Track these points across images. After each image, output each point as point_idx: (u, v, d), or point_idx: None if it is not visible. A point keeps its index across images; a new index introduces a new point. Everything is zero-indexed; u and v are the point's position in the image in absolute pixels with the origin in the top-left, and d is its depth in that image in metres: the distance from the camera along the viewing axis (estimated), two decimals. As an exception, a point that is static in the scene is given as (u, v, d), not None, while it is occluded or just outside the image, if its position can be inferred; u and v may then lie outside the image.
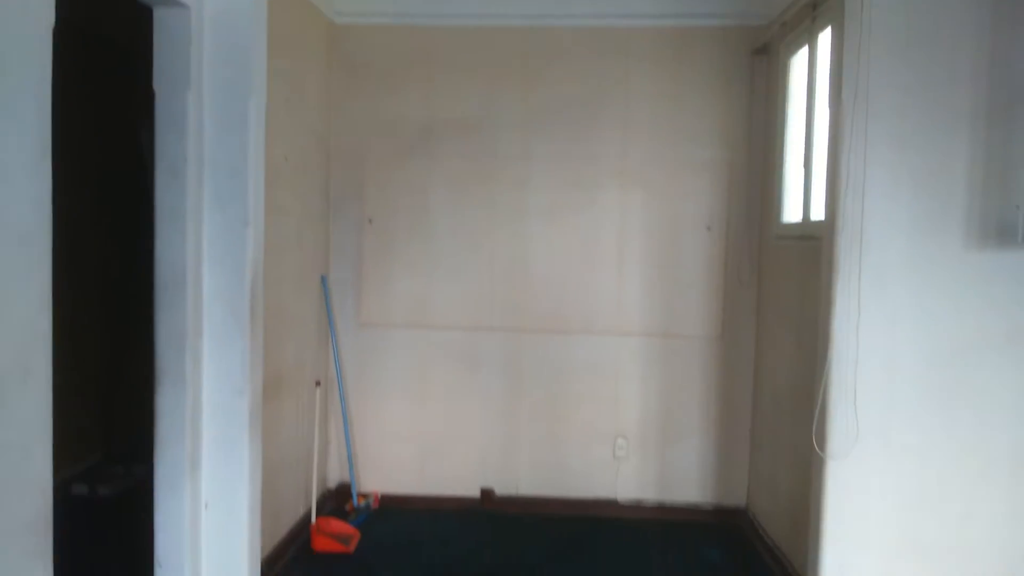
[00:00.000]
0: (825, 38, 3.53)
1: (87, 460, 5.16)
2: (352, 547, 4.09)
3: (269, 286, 3.32)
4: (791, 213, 4.15)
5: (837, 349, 2.87)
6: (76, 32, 4.51)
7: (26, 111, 1.91)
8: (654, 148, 4.61)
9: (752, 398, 4.63)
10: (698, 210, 4.61)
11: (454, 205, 4.67)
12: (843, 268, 2.88)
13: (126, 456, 5.15)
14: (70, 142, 4.34)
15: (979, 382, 2.88)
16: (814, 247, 3.41)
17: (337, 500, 4.75)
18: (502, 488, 4.77)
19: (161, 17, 2.89)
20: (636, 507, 4.72)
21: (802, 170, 3.89)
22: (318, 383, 4.38)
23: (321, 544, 4.07)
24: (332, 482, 4.81)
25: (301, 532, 4.17)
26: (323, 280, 4.56)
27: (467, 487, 4.78)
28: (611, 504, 4.73)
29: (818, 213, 3.67)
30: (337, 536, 4.13)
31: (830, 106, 3.05)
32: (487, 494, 4.77)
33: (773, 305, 4.32)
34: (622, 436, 4.71)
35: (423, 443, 4.77)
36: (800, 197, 3.91)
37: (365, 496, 4.71)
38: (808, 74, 3.76)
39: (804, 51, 3.87)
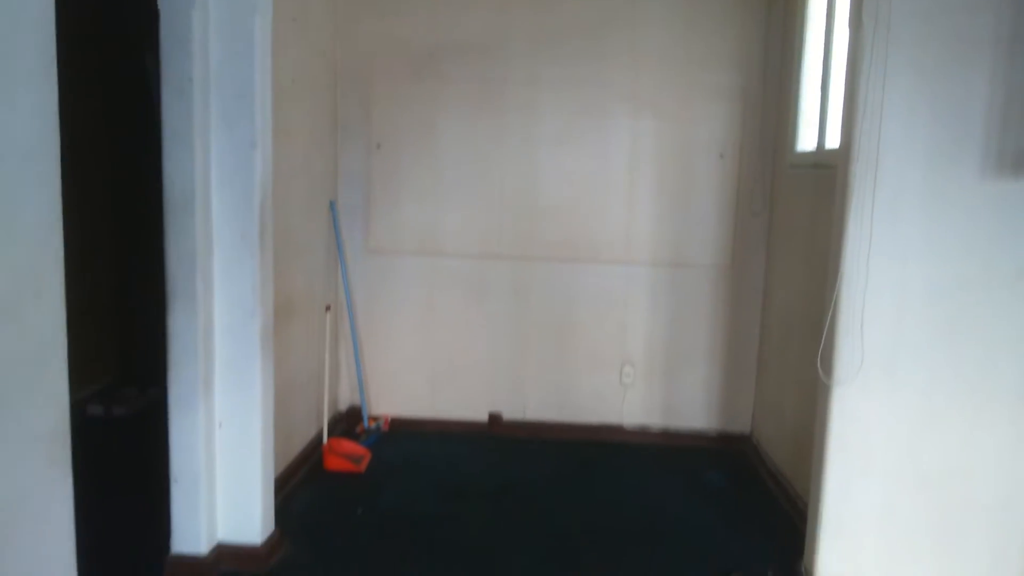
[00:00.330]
0: (848, -43, 3.41)
1: (102, 382, 5.26)
2: (363, 467, 4.19)
3: (278, 210, 3.32)
4: (806, 141, 4.09)
5: (847, 278, 2.85)
6: (77, -52, 4.40)
7: (28, 21, 1.88)
8: (666, 73, 4.52)
9: (759, 327, 4.64)
10: (711, 137, 4.54)
11: (462, 130, 4.62)
12: (856, 197, 2.84)
13: (140, 378, 5.25)
14: (74, 60, 4.28)
15: (986, 316, 2.87)
16: (828, 176, 3.36)
17: (348, 423, 4.84)
18: (510, 413, 4.85)
19: (164, -69, 2.81)
20: (641, 433, 4.80)
21: (818, 97, 3.81)
22: (328, 308, 4.42)
23: (333, 463, 4.16)
24: (343, 405, 4.89)
25: (313, 452, 4.26)
26: (331, 205, 4.55)
27: (475, 411, 4.86)
28: (617, 429, 4.81)
29: (833, 141, 3.61)
30: (348, 456, 4.23)
31: (850, 31, 2.96)
32: (495, 418, 4.84)
33: (784, 234, 4.29)
34: (629, 364, 4.75)
35: (432, 368, 4.83)
36: (815, 125, 3.84)
37: (375, 419, 4.79)
38: (828, -4, 3.65)
39: (825, -29, 3.75)
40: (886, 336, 2.88)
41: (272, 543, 3.23)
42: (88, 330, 5.07)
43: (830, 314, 2.90)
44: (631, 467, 4.42)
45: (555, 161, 4.61)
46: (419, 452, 4.50)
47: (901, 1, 2.79)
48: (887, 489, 2.97)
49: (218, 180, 2.99)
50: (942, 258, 2.85)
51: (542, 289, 4.71)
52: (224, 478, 3.12)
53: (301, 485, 3.96)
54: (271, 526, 3.26)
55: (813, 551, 3.05)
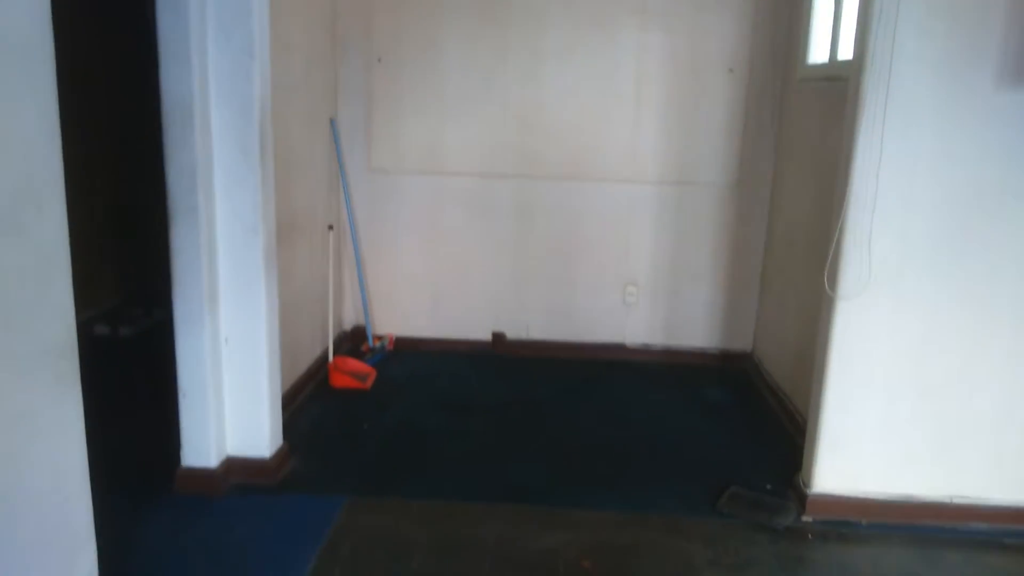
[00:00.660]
0: None
1: (107, 303, 5.28)
2: (369, 384, 4.24)
3: (278, 127, 3.26)
4: (817, 54, 3.98)
5: (856, 192, 2.82)
6: None
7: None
8: (676, -17, 4.37)
9: (764, 245, 4.62)
10: (720, 51, 4.42)
11: (465, 44, 4.50)
12: (868, 109, 2.77)
13: (145, 299, 5.27)
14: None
15: (994, 229, 2.84)
16: (839, 88, 3.29)
17: (353, 341, 4.88)
18: (513, 332, 4.88)
19: None
20: (644, 351, 4.84)
21: (832, 6, 3.69)
22: (331, 227, 4.39)
23: (339, 381, 4.21)
24: (348, 324, 4.92)
25: (319, 370, 4.31)
26: (332, 123, 4.47)
27: (479, 331, 4.89)
28: (619, 348, 4.85)
29: (846, 52, 3.52)
30: (354, 374, 4.27)
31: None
32: (498, 338, 4.88)
33: (793, 151, 4.23)
34: (632, 283, 4.75)
35: (436, 288, 4.84)
36: (828, 35, 3.74)
37: (380, 338, 4.83)
38: (846, -102, 3.50)
39: None
40: (893, 250, 2.86)
41: (280, 456, 3.29)
42: (91, 251, 5.06)
43: (838, 228, 2.88)
44: (633, 384, 4.47)
45: (560, 76, 4.50)
46: (424, 370, 4.55)
47: (920, -97, 2.67)
48: (887, 403, 3.00)
49: (216, 93, 2.93)
50: (952, 171, 2.81)
51: (546, 208, 4.67)
52: (232, 393, 3.16)
53: (308, 402, 4.02)
54: (279, 440, 3.32)
55: (811, 464, 3.10)
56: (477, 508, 3.06)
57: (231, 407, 3.18)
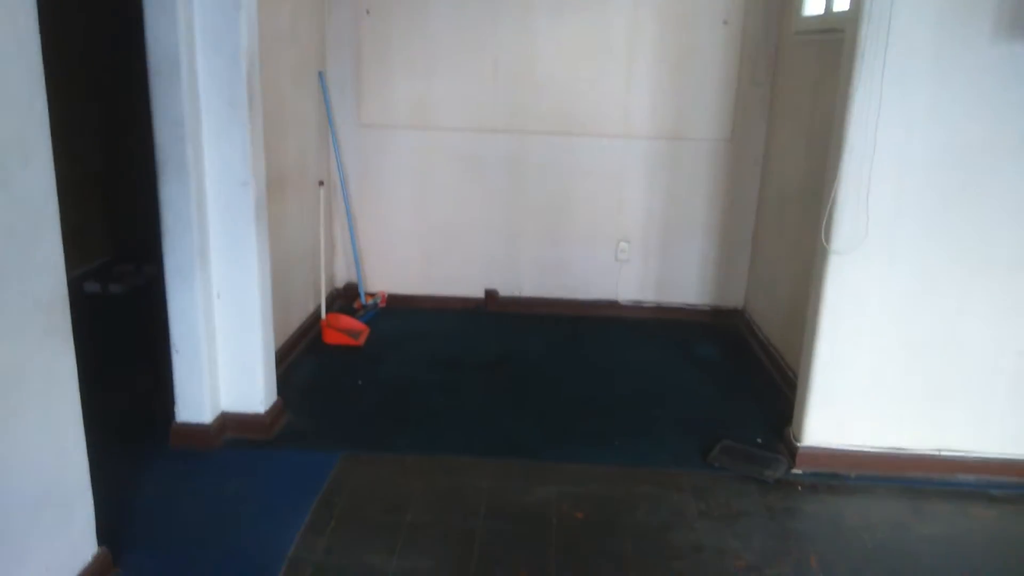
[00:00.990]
0: None
1: (97, 260, 5.24)
2: (362, 341, 4.24)
3: (266, 80, 3.20)
4: (813, 5, 3.93)
5: (852, 145, 2.80)
6: None
7: None
8: (671, -67, 4.29)
9: (757, 201, 4.61)
10: (714, 2, 4.35)
11: (457, -4, 4.42)
12: (865, 61, 2.74)
13: (136, 256, 5.23)
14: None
15: (989, 183, 2.83)
16: (835, 41, 3.25)
17: (345, 299, 4.87)
18: (505, 289, 4.87)
19: None
20: (636, 307, 4.85)
21: (830, -43, 3.63)
22: (321, 183, 4.35)
23: (331, 338, 4.21)
24: (340, 282, 4.90)
25: (312, 327, 4.30)
26: (320, 76, 4.40)
27: (471, 288, 4.88)
28: (612, 305, 4.85)
29: (842, 3, 3.47)
30: (347, 331, 4.27)
31: None
32: (491, 295, 4.87)
33: (786, 106, 4.19)
34: (625, 240, 4.74)
35: (428, 245, 4.81)
36: (825, -13, 3.68)
37: (372, 295, 4.82)
38: None
39: None
40: (886, 204, 2.85)
41: (275, 412, 3.30)
42: (80, 208, 5.01)
43: (834, 182, 2.86)
44: (625, 340, 4.49)
45: (552, 29, 4.43)
46: (416, 327, 4.55)
47: None
48: (877, 357, 3.02)
49: (203, 44, 2.87)
50: (948, 125, 2.79)
51: (538, 164, 4.64)
52: (225, 349, 3.15)
53: (301, 358, 4.02)
54: (273, 395, 3.32)
55: (801, 418, 3.13)
56: (471, 462, 3.09)
57: (224, 363, 3.17)
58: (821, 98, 3.56)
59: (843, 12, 3.39)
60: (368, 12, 4.44)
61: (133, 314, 4.63)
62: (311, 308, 4.35)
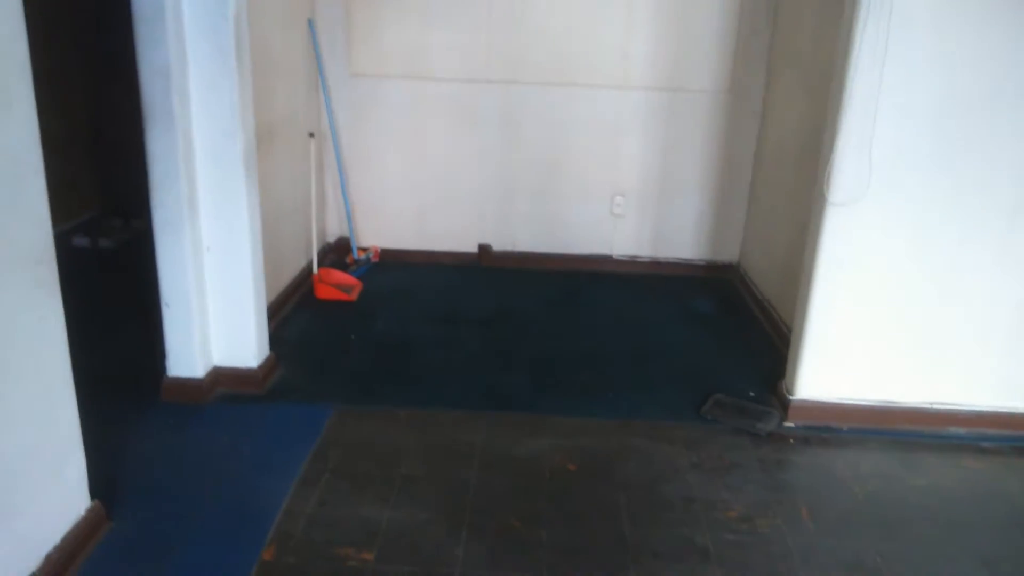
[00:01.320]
0: None
1: (85, 214, 5.17)
2: (354, 296, 4.21)
3: (254, 28, 3.12)
4: (815, -48, 3.83)
5: (852, 95, 2.75)
6: None
7: None
8: None
9: (754, 154, 4.56)
10: (714, -50, 4.25)
11: (449, -59, 4.30)
12: (867, 8, 2.68)
13: (124, 210, 5.17)
14: None
15: (989, 135, 2.78)
16: (837, -12, 3.17)
17: (338, 254, 4.83)
18: (499, 244, 4.84)
19: None
20: (631, 262, 4.82)
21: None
22: (311, 135, 4.27)
23: (323, 292, 4.18)
24: (332, 236, 4.86)
25: (304, 282, 4.27)
26: (310, 23, 4.29)
27: (465, 243, 4.84)
28: (606, 260, 4.83)
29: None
30: (339, 286, 4.24)
31: None
32: (484, 249, 4.84)
33: (787, 54, 4.12)
34: (620, 194, 4.70)
35: (421, 198, 4.76)
36: (827, -67, 3.59)
37: (365, 250, 4.78)
38: None
39: None
40: (887, 154, 2.81)
41: (268, 366, 3.28)
42: (67, 161, 4.93)
43: (834, 134, 2.82)
44: (619, 295, 4.47)
45: (547, -23, 4.33)
46: (410, 282, 4.53)
47: None
48: (871, 311, 3.01)
49: (188, -12, 2.78)
50: (952, 72, 2.74)
51: (533, 115, 4.56)
52: (216, 303, 3.12)
53: (293, 313, 3.99)
54: (266, 350, 3.31)
55: (794, 371, 3.13)
56: (464, 416, 3.09)
57: (216, 317, 3.15)
58: (822, 47, 3.49)
59: (845, -42, 3.30)
60: (358, -42, 4.33)
61: (123, 269, 4.58)
62: (303, 263, 4.31)
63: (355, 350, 3.64)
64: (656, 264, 4.82)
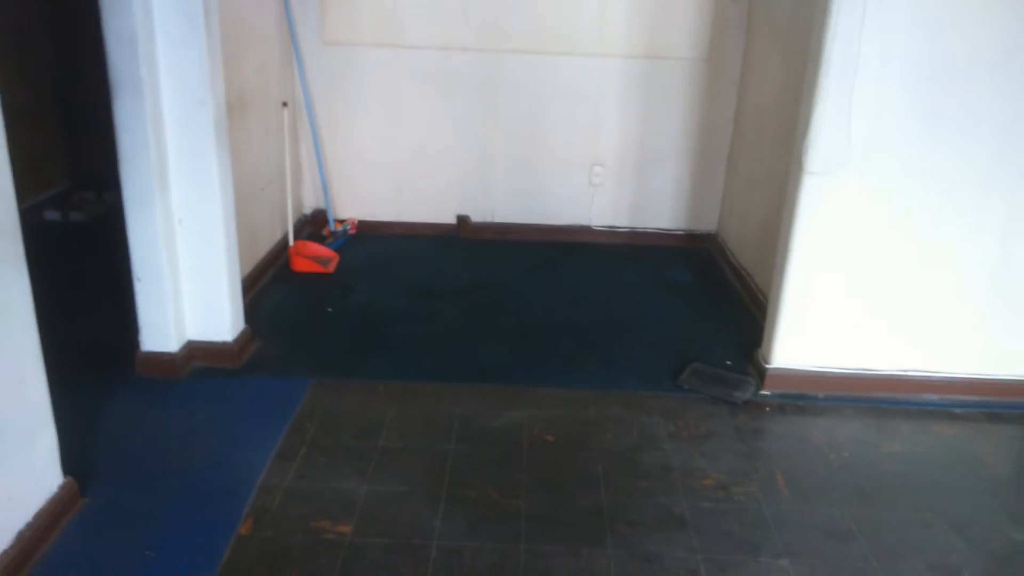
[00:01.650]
0: None
1: (56, 187, 5.07)
2: (331, 268, 4.17)
3: (223, -8, 3.05)
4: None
5: (829, 61, 2.73)
6: None
7: None
8: None
9: (733, 123, 4.54)
10: (692, -85, 4.19)
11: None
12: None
13: (96, 183, 5.07)
14: None
15: (969, 99, 2.77)
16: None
17: (314, 226, 4.78)
18: (478, 215, 4.81)
19: None
20: (609, 232, 4.81)
21: None
22: (285, 104, 4.20)
23: (300, 265, 4.14)
24: (308, 208, 4.80)
25: (280, 255, 4.22)
26: (283, -9, 4.21)
27: (443, 214, 4.81)
28: (585, 230, 4.81)
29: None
30: (316, 258, 4.20)
31: None
32: (463, 221, 4.80)
33: (765, 23, 4.09)
34: (599, 163, 4.67)
35: (398, 169, 4.71)
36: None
37: (342, 222, 4.73)
38: None
39: None
40: (864, 123, 2.80)
41: (243, 340, 3.25)
42: (36, 133, 4.82)
43: (811, 101, 2.80)
44: (598, 265, 4.47)
45: (524, -58, 4.26)
46: (387, 254, 4.49)
47: None
48: (847, 279, 3.02)
49: (153, -48, 2.70)
50: (929, 38, 2.72)
51: (511, 84, 4.51)
52: (189, 276, 3.08)
53: (269, 287, 3.95)
54: (241, 324, 3.27)
55: (771, 340, 3.15)
56: (441, 388, 3.08)
57: (189, 290, 3.10)
58: (800, 13, 3.47)
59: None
60: (330, -78, 4.23)
61: (96, 242, 4.51)
62: (278, 235, 4.26)
63: (332, 322, 3.62)
64: (634, 234, 4.81)
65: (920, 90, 2.77)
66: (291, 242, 4.22)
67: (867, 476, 2.65)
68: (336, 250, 4.35)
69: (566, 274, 4.33)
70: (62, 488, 2.26)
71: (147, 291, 2.99)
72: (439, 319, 3.70)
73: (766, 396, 3.13)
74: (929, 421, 3.00)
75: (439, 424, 2.83)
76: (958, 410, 3.08)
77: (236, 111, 3.47)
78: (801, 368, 3.14)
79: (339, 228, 4.65)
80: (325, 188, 4.64)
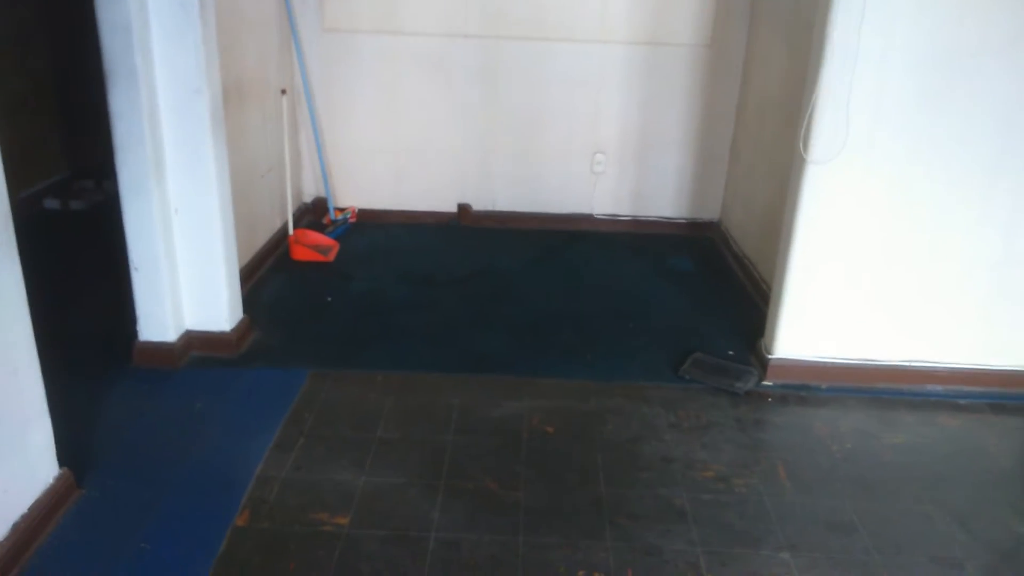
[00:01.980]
0: None
1: (55, 175, 5.04)
2: (331, 257, 4.15)
3: (220, -21, 3.01)
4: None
5: (833, 50, 2.69)
6: None
7: None
8: None
9: (736, 110, 4.50)
10: (696, -101, 4.13)
11: None
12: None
13: (96, 172, 5.05)
14: None
15: (974, 88, 2.74)
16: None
17: (314, 214, 4.75)
18: (479, 203, 4.77)
19: None
20: (611, 221, 4.78)
21: None
22: (284, 92, 4.16)
23: (300, 254, 4.12)
24: (308, 197, 4.77)
25: (279, 244, 4.20)
26: (281, -23, 4.16)
27: (444, 202, 4.77)
28: (587, 219, 4.78)
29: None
30: (316, 247, 4.17)
31: None
32: (464, 209, 4.77)
33: (768, 8, 4.03)
34: (601, 151, 4.63)
35: (398, 157, 4.67)
36: None
37: (342, 210, 4.70)
38: None
39: None
40: (868, 111, 2.76)
41: (241, 330, 3.23)
42: (35, 122, 4.78)
43: (814, 89, 2.76)
44: (600, 254, 4.43)
45: (525, -73, 4.20)
46: (388, 242, 4.46)
47: None
48: (851, 269, 2.99)
49: (147, -63, 2.67)
50: (933, 26, 2.67)
51: (512, 71, 4.46)
52: (187, 266, 3.05)
53: (269, 276, 3.93)
54: (239, 313, 3.25)
55: (773, 330, 3.12)
56: (441, 378, 3.06)
57: (187, 280, 3.08)
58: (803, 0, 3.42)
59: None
60: (329, -93, 4.18)
61: (95, 231, 4.48)
62: (278, 224, 4.23)
63: (332, 312, 3.60)
64: (637, 223, 4.77)
65: (923, 78, 2.73)
66: (291, 231, 4.20)
67: (869, 468, 2.62)
68: (336, 239, 4.32)
69: (567, 263, 4.30)
70: (58, 479, 2.25)
71: (144, 281, 2.97)
72: (439, 308, 3.67)
73: (768, 386, 3.10)
74: (932, 412, 2.98)
75: (438, 415, 2.81)
76: (962, 401, 3.05)
77: (234, 99, 3.44)
78: (803, 358, 3.11)
79: (339, 217, 4.63)
80: (325, 176, 4.61)
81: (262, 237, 4.01)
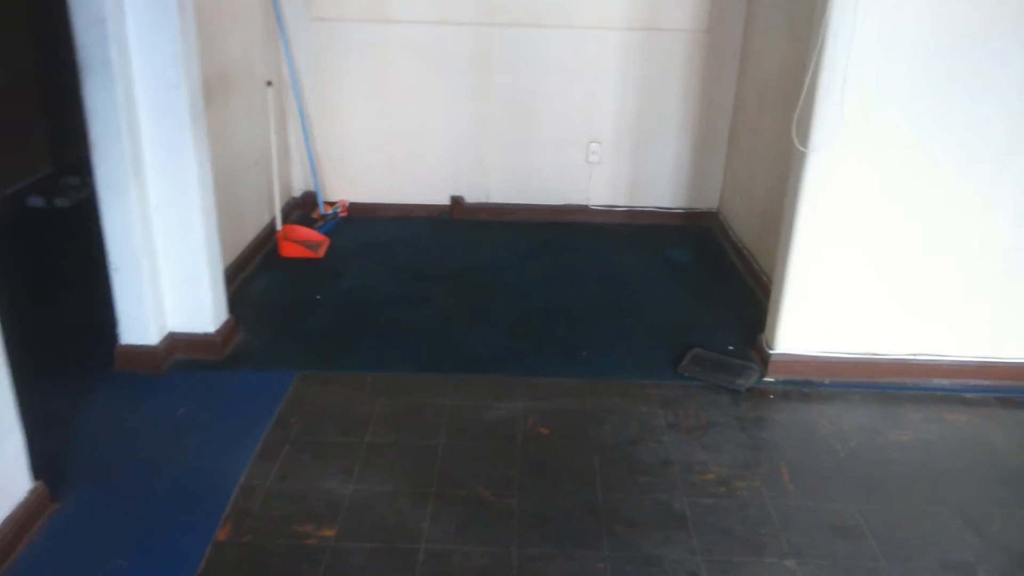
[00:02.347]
0: None
1: (39, 173, 4.94)
2: (321, 253, 4.05)
3: (198, -33, 2.90)
4: None
5: (833, 32, 2.58)
6: None
7: None
8: None
9: (735, 97, 4.39)
10: None
11: None
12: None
13: (80, 168, 4.93)
14: None
15: (981, 71, 2.63)
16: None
17: (304, 209, 4.65)
18: (472, 196, 4.67)
19: None
20: (607, 212, 4.67)
21: None
22: (270, 84, 4.04)
23: (288, 251, 4.02)
24: (297, 191, 4.67)
25: (267, 240, 4.10)
26: (265, -35, 4.04)
27: (437, 195, 4.67)
28: (582, 210, 4.68)
29: None
30: (305, 243, 4.07)
31: None
32: (457, 202, 4.67)
33: (766, -7, 3.92)
34: (596, 141, 4.52)
35: (389, 149, 4.57)
36: None
37: (332, 204, 4.60)
38: None
39: None
40: (871, 95, 2.66)
41: (227, 331, 3.14)
42: (19, 119, 4.67)
43: (813, 75, 2.66)
44: (596, 246, 4.34)
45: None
46: (379, 237, 4.36)
47: None
48: (854, 261, 2.90)
49: (121, -77, 2.56)
50: (940, 7, 2.57)
51: (505, 59, 4.35)
52: (168, 266, 2.96)
53: (256, 273, 3.83)
54: (224, 314, 3.16)
55: (774, 324, 3.03)
56: (433, 379, 2.97)
57: (169, 280, 2.99)
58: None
59: None
60: None
61: (79, 229, 4.37)
62: (266, 219, 4.13)
63: (321, 310, 3.50)
64: (633, 213, 4.67)
65: (928, 62, 2.63)
66: (279, 226, 4.10)
67: (875, 467, 2.54)
68: (326, 234, 4.23)
69: (563, 256, 4.20)
70: (31, 493, 2.16)
71: (124, 281, 2.88)
72: (432, 305, 3.58)
73: (769, 383, 3.01)
74: (939, 407, 2.89)
75: (429, 417, 2.72)
76: (969, 395, 2.97)
77: (217, 91, 3.34)
78: (806, 353, 3.02)
79: (329, 211, 4.52)
80: (314, 169, 4.50)
81: (249, 234, 3.91)
